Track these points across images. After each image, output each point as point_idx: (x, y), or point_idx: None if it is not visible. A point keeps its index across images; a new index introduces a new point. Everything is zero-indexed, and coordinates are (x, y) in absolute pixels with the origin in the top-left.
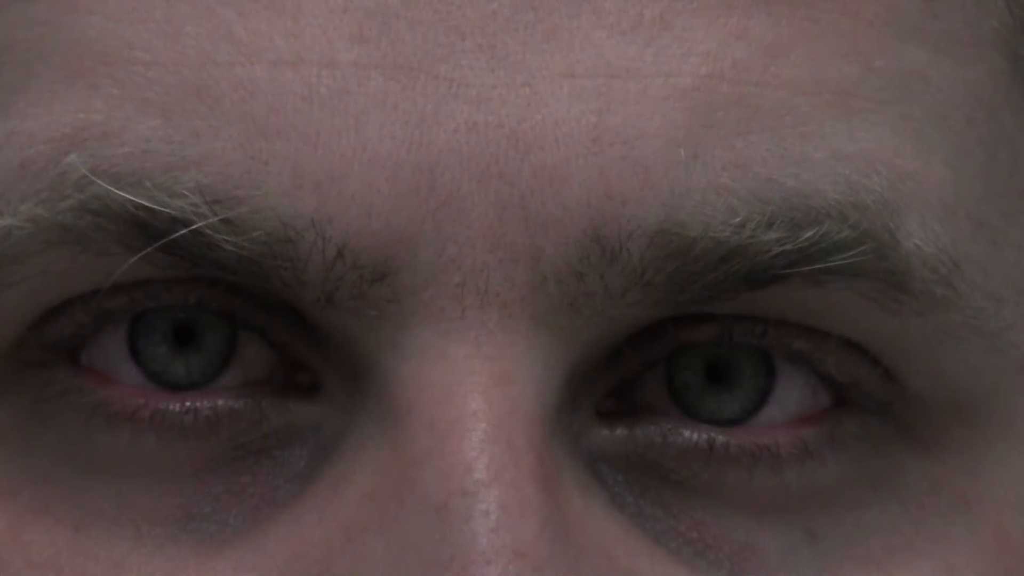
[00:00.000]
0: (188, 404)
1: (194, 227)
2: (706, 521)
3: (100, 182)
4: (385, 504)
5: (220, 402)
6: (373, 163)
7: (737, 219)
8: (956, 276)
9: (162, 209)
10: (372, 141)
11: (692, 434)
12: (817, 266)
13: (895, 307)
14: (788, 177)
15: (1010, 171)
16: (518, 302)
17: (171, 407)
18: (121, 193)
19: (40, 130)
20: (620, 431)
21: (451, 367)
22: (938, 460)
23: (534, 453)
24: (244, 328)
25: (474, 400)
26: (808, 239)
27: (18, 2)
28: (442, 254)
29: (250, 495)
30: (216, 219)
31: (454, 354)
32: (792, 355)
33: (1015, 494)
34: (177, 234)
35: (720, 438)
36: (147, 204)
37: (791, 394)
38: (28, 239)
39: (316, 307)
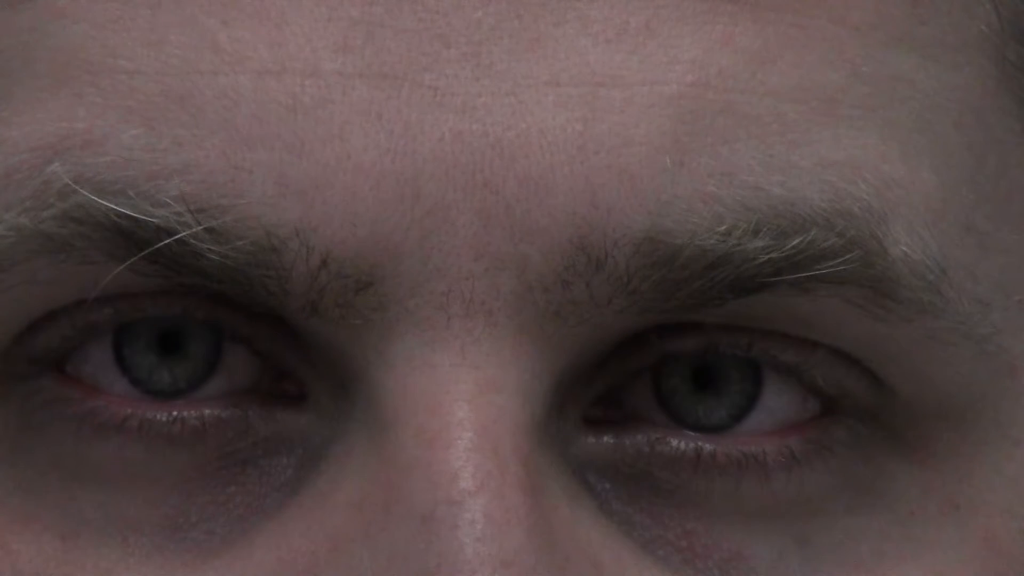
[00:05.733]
0: (175, 414)
1: (178, 236)
2: (695, 529)
3: (83, 191)
4: (371, 513)
5: (207, 411)
6: (357, 172)
7: (723, 227)
8: (944, 282)
9: (145, 218)
10: (356, 150)
11: (679, 442)
12: (804, 274)
13: (883, 314)
14: (774, 185)
15: (998, 175)
16: (504, 310)
17: (158, 416)
18: (104, 202)
19: (23, 138)
20: (607, 439)
21: (437, 376)
22: (927, 466)
23: (520, 462)
24: (229, 337)
25: (460, 409)
26: (795, 247)
27: (3, 10)
28: (427, 263)
29: (237, 504)
30: (200, 228)
31: (440, 363)
32: (779, 364)
33: (1005, 499)
34: (161, 243)
35: (707, 446)
36: (130, 213)
37: (778, 401)
38: (11, 248)
39: (301, 316)
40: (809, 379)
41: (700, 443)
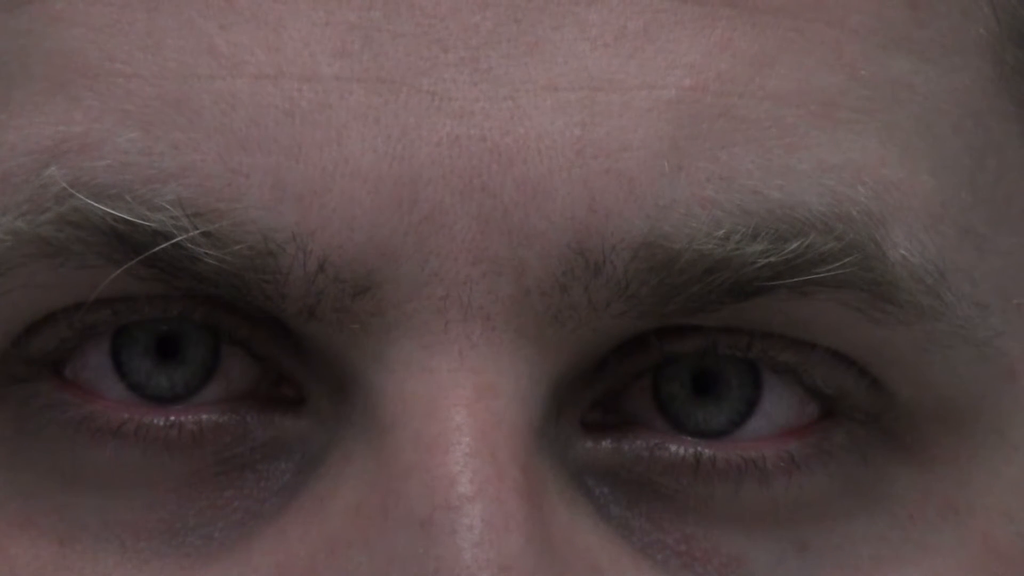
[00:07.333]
0: (172, 418)
1: (175, 240)
2: (694, 534)
3: (80, 195)
4: (370, 518)
5: (204, 416)
6: (355, 177)
7: (721, 231)
8: (942, 285)
9: (142, 222)
10: (354, 155)
11: (679, 448)
12: (802, 278)
13: (881, 317)
14: (773, 189)
15: (997, 178)
16: (502, 315)
17: (155, 421)
18: (101, 206)
19: (21, 142)
20: (606, 443)
21: (435, 380)
22: (926, 469)
23: (518, 466)
24: (227, 341)
25: (458, 413)
26: (793, 251)
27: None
28: (425, 267)
29: (235, 509)
30: (197, 232)
31: (438, 367)
32: (778, 367)
33: (1003, 502)
34: (158, 247)
35: (707, 452)
36: (127, 217)
37: (778, 405)
38: (9, 252)
39: (299, 320)
40: (808, 380)
41: (699, 449)
